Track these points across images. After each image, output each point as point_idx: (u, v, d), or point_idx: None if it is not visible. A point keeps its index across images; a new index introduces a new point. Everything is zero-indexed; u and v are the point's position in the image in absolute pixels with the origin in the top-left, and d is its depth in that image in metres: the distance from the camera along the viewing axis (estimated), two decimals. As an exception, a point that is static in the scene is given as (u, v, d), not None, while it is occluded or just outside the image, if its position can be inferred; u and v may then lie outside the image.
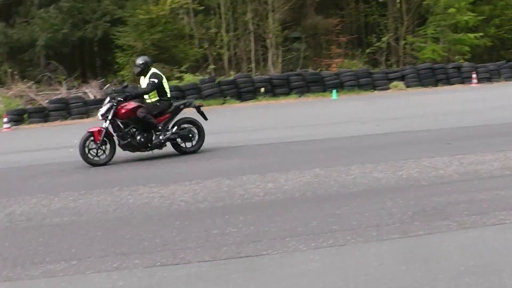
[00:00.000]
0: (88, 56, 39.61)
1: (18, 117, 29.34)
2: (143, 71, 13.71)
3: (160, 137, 13.38)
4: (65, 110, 29.77)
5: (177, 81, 32.13)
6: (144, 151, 13.60)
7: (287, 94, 31.88)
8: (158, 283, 5.46)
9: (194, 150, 13.74)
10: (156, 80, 13.41)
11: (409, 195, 8.14)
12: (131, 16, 34.62)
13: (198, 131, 13.82)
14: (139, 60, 13.97)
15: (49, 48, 35.17)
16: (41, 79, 34.95)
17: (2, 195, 10.35)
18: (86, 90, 32.39)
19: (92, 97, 31.51)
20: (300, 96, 31.71)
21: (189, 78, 32.08)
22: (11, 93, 33.47)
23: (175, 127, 13.61)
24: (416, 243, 6.12)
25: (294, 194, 8.66)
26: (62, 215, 8.42)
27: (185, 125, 13.79)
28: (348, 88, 33.21)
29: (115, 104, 13.19)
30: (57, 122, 28.90)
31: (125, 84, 14.94)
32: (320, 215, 7.34)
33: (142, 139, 13.27)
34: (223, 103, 30.30)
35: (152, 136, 13.41)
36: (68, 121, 28.86)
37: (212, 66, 36.01)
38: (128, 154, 13.71)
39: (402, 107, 23.39)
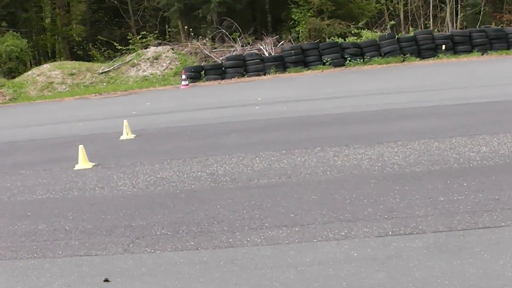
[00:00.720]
0: (260, 13, 39.37)
1: (195, 74, 29.65)
2: None
3: None
4: (242, 67, 29.77)
5: (355, 38, 31.29)
6: None
7: (468, 51, 30.22)
8: (397, 255, 4.96)
9: None
10: None
11: None
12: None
13: None
14: None
15: (223, 4, 35.15)
16: (215, 36, 35.11)
17: (201, 152, 10.23)
18: (261, 47, 32.17)
19: (266, 54, 31.30)
20: (482, 54, 29.97)
21: (368, 35, 31.17)
22: (186, 51, 33.88)
23: None
24: None
25: (514, 160, 7.91)
26: (269, 176, 8.06)
27: None
28: (534, 45, 31.01)
29: None
30: (234, 80, 28.96)
31: None
32: (553, 184, 6.62)
33: None
34: (403, 61, 29.20)
35: None
36: (245, 78, 28.85)
37: (391, 22, 34.79)
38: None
39: None
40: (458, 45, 30.48)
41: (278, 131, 11.99)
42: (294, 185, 7.50)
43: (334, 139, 10.36)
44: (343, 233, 5.55)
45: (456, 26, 35.87)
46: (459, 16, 36.40)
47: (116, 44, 35.95)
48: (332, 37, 31.93)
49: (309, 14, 33.29)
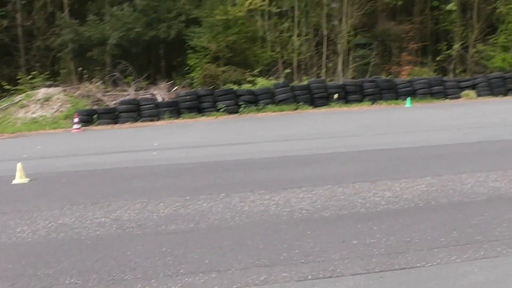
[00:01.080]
0: (155, 57, 39.29)
1: (88, 118, 29.15)
2: None
3: None
4: (136, 111, 29.51)
5: (250, 85, 31.65)
6: None
7: (360, 101, 31.29)
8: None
9: None
10: None
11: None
12: (207, 16, 34.24)
13: None
14: None
15: (119, 47, 34.88)
16: (108, 79, 34.72)
17: (103, 198, 9.88)
18: (154, 92, 32.03)
19: (160, 99, 31.17)
20: (372, 103, 31.08)
21: (263, 82, 31.65)
22: (78, 93, 33.30)
23: None
24: None
25: (418, 203, 8.15)
26: (177, 222, 7.86)
27: None
28: (420, 95, 32.65)
29: None
30: (127, 124, 28.62)
31: None
32: (456, 225, 6.90)
33: None
34: (296, 109, 29.77)
35: None
36: (138, 123, 28.55)
37: (287, 71, 35.50)
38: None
39: (483, 115, 22.79)
40: (350, 94, 31.51)
41: (180, 176, 11.82)
42: (204, 231, 7.35)
43: (237, 185, 10.28)
44: (262, 278, 5.47)
45: (347, 76, 37.02)
46: (350, 67, 37.58)
47: (4, 84, 34.92)
48: (228, 84, 32.20)
49: (205, 60, 33.57)
